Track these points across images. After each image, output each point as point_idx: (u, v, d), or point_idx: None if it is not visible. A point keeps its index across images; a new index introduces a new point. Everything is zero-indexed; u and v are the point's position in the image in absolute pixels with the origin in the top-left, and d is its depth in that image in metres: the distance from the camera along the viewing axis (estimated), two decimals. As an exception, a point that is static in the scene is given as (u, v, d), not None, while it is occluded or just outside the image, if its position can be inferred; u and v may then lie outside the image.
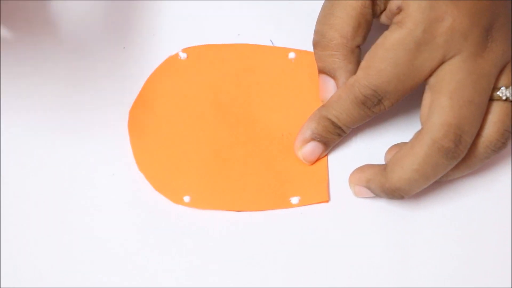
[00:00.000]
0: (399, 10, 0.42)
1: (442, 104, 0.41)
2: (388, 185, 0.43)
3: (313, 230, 0.46)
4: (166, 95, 0.49)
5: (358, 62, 0.45)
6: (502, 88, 0.43)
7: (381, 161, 0.46)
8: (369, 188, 0.45)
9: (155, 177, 0.47)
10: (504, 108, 0.43)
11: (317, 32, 0.45)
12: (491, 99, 0.43)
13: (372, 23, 0.45)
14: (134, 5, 0.51)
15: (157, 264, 0.45)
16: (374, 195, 0.45)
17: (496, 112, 0.43)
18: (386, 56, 0.42)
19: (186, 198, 0.46)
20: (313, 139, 0.46)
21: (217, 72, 0.49)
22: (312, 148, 0.46)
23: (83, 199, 0.47)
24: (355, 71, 0.45)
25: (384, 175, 0.44)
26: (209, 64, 0.49)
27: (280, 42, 0.50)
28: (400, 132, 0.48)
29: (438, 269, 0.45)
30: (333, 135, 0.46)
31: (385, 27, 0.44)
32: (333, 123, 0.45)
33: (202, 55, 0.49)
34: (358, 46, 0.45)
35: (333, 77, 0.46)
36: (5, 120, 0.49)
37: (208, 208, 0.46)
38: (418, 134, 0.43)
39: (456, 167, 0.43)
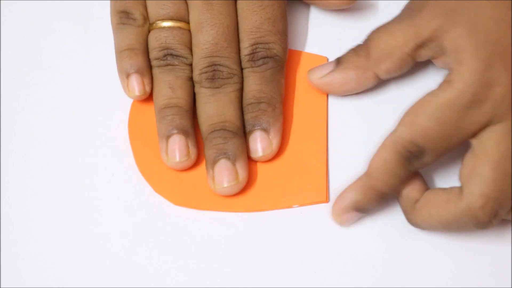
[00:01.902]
0: (452, 68, 0.42)
1: (484, 174, 0.42)
2: (410, 218, 0.44)
3: (313, 230, 0.46)
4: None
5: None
6: None
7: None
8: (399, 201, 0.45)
9: (154, 177, 0.47)
10: None
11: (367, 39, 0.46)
12: None
13: (410, 65, 0.46)
14: (134, 5, 0.51)
15: (157, 264, 0.45)
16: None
17: None
18: (434, 115, 0.42)
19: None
20: (355, 209, 0.45)
21: None
22: (352, 217, 0.45)
23: (83, 199, 0.47)
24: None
25: (413, 206, 0.44)
26: None
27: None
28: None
29: (439, 269, 0.45)
30: (377, 206, 0.45)
31: None
32: (380, 193, 0.44)
33: None
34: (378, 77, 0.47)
35: (339, 62, 0.47)
36: (5, 120, 0.49)
37: (208, 209, 0.46)
38: (457, 193, 0.43)
39: None
